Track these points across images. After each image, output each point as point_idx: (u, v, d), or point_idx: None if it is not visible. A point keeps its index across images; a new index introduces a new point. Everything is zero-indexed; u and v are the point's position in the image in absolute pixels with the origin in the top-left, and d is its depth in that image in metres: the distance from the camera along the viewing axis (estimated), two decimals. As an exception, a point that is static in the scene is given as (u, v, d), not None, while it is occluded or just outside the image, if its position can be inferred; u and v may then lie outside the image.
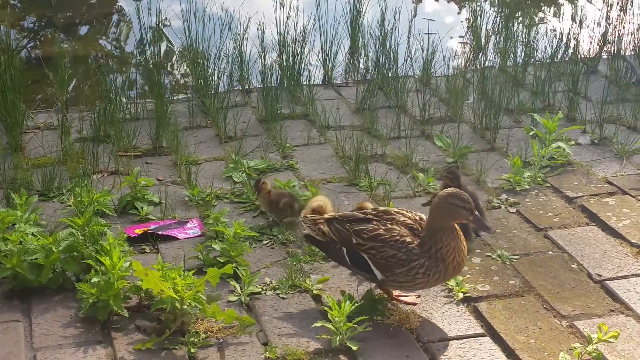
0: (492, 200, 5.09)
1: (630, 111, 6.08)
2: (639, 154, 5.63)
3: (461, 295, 4.23)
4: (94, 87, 6.40)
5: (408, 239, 3.93)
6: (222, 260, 4.28)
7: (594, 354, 3.43)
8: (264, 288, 4.25)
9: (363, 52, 6.96)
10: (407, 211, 4.09)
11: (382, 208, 4.17)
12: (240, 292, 4.19)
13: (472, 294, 4.24)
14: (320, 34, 6.84)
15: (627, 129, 5.96)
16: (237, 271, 4.25)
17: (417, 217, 4.05)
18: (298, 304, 4.16)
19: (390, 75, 6.51)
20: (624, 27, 7.11)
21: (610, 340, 3.42)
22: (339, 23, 6.97)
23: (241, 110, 6.16)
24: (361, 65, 6.95)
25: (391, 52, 6.62)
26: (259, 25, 6.54)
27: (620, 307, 4.18)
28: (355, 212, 4.17)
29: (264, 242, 4.66)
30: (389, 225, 3.98)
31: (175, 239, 4.65)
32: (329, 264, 4.45)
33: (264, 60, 6.43)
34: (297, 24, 6.57)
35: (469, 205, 3.88)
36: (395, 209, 4.11)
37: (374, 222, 4.02)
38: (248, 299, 4.17)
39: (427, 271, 3.89)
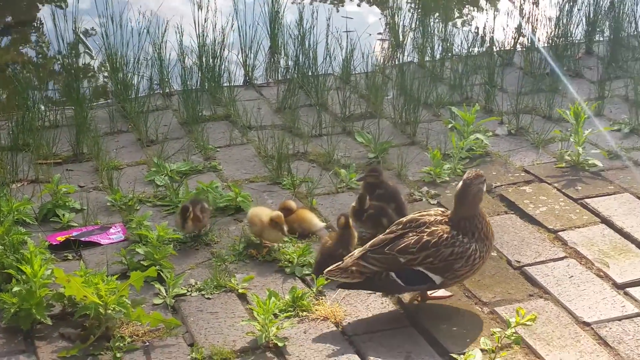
0: (413, 193, 5.16)
1: (545, 101, 6.22)
2: (555, 142, 5.76)
3: (385, 287, 4.28)
4: (12, 96, 6.32)
5: (454, 232, 3.97)
6: (146, 264, 4.28)
7: (513, 338, 3.52)
8: (189, 289, 4.26)
9: (283, 51, 6.99)
10: (425, 211, 4.12)
11: (405, 218, 4.10)
12: (165, 294, 4.19)
13: (395, 286, 4.30)
14: (240, 35, 6.86)
15: (542, 119, 6.10)
16: (162, 274, 4.25)
17: (440, 212, 4.11)
18: (224, 303, 4.18)
19: (310, 73, 6.55)
20: (537, 20, 7.26)
21: (528, 323, 3.51)
22: (258, 24, 7.00)
23: (162, 114, 6.14)
24: (281, 65, 6.98)
25: (310, 51, 6.67)
26: (177, 28, 6.53)
27: (539, 291, 4.28)
28: (383, 236, 4.05)
29: (188, 244, 4.67)
30: (427, 230, 3.99)
31: (99, 244, 4.62)
32: (254, 262, 4.49)
33: (184, 62, 6.42)
34: (215, 25, 6.58)
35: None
36: (417, 213, 4.11)
37: (410, 234, 3.99)
38: (173, 301, 4.17)
39: (481, 253, 4.00)
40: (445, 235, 3.96)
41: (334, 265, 4.06)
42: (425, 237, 3.96)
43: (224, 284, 4.29)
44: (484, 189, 4.09)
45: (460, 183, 4.06)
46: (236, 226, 4.82)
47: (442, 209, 4.19)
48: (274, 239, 4.53)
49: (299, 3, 7.12)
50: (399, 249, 3.96)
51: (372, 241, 4.08)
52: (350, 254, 4.10)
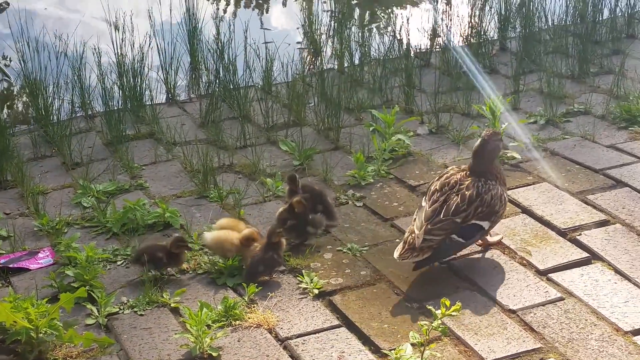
0: (339, 197, 5.24)
1: (463, 99, 6.35)
2: (473, 138, 5.89)
3: (316, 291, 4.35)
4: None
5: (483, 180, 4.42)
6: (76, 285, 4.28)
7: (439, 329, 3.61)
8: (122, 307, 4.28)
9: (203, 66, 7.02)
10: (446, 173, 4.54)
11: (438, 184, 4.47)
12: (97, 314, 4.20)
13: (326, 289, 4.38)
14: (159, 53, 6.88)
15: (461, 116, 6.24)
16: (93, 294, 4.26)
17: (457, 169, 4.54)
18: (157, 318, 4.21)
19: (231, 87, 6.61)
20: (451, 20, 7.41)
21: (454, 314, 3.60)
22: (176, 40, 7.02)
23: (86, 136, 6.14)
24: (203, 80, 7.01)
25: (230, 65, 6.72)
26: (95, 49, 6.52)
27: (465, 283, 4.39)
28: (430, 208, 4.38)
29: (119, 262, 4.68)
30: (462, 187, 4.40)
31: (28, 270, 4.61)
32: (185, 276, 4.52)
33: (104, 83, 6.42)
34: (133, 44, 6.59)
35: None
36: (442, 177, 4.50)
37: (453, 197, 4.39)
38: (106, 320, 4.19)
39: (506, 194, 4.52)
40: (480, 184, 4.40)
41: (402, 246, 4.35)
42: (466, 192, 4.38)
43: (156, 300, 4.32)
44: (501, 146, 4.57)
45: (479, 140, 4.50)
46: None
47: (457, 167, 4.58)
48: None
49: (216, 18, 7.15)
50: (452, 212, 4.34)
51: (424, 215, 4.38)
52: (409, 232, 4.37)
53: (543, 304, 4.18)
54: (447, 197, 4.40)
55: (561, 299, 4.22)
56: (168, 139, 6.06)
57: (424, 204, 4.46)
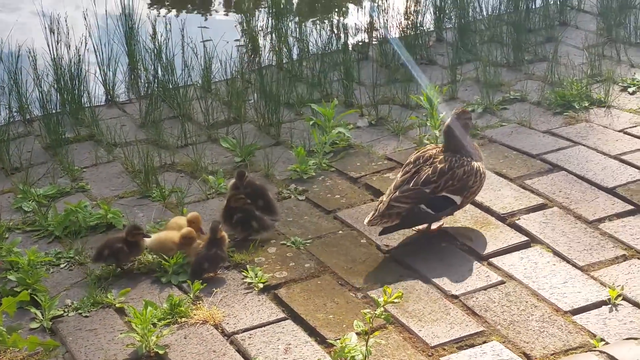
0: (282, 192, 5.27)
1: (401, 91, 6.42)
2: (413, 128, 5.96)
3: (261, 285, 4.38)
4: None
5: (458, 156, 4.58)
6: (19, 290, 4.26)
7: (382, 316, 3.65)
8: (66, 310, 4.27)
9: (142, 67, 6.99)
10: (423, 148, 4.72)
11: (412, 157, 4.65)
12: (41, 317, 4.18)
13: (271, 283, 4.41)
14: (96, 54, 6.83)
15: (400, 108, 6.30)
16: (36, 297, 4.23)
17: (434, 146, 4.73)
18: (102, 319, 4.20)
19: (170, 86, 6.59)
20: (387, 13, 7.46)
21: (396, 301, 3.65)
22: (113, 41, 6.98)
23: (24, 140, 6.08)
24: (142, 80, 6.98)
25: (168, 64, 6.70)
26: (30, 52, 6.46)
27: (408, 271, 4.45)
28: (402, 177, 4.58)
29: (62, 265, 4.66)
30: (436, 160, 4.56)
31: (-31, 277, 4.57)
32: (129, 276, 4.52)
33: (41, 87, 6.36)
34: (70, 47, 6.54)
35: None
36: (419, 152, 4.67)
37: (424, 168, 4.56)
38: (50, 323, 4.17)
39: (483, 169, 4.65)
40: (453, 159, 4.55)
41: (371, 214, 4.50)
42: (438, 165, 4.54)
43: (101, 301, 4.31)
44: (470, 123, 4.80)
45: (448, 119, 4.68)
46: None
47: (434, 144, 4.76)
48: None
49: (153, 18, 7.12)
50: (422, 182, 4.50)
51: (394, 184, 4.58)
52: (379, 201, 4.54)
53: (485, 288, 4.26)
54: (419, 169, 4.57)
55: (502, 282, 4.30)
56: (108, 140, 6.03)
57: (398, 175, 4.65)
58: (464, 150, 4.64)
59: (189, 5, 9.29)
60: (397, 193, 4.51)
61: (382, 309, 3.62)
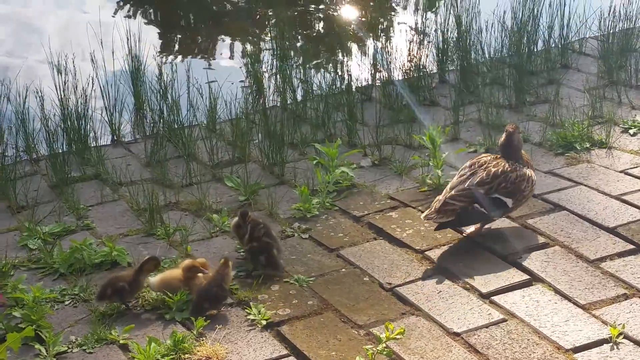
0: (285, 230, 5.31)
1: (404, 131, 6.48)
2: (416, 168, 6.01)
3: (264, 322, 4.41)
4: None
5: (511, 162, 4.96)
6: (24, 326, 4.28)
7: (384, 353, 3.68)
8: (70, 346, 4.29)
9: (147, 107, 7.07)
10: (479, 156, 5.09)
11: (468, 163, 5.02)
12: (45, 353, 4.21)
13: (274, 320, 4.43)
14: (103, 95, 6.91)
15: (403, 148, 6.36)
16: (41, 334, 4.26)
17: (491, 155, 5.06)
18: (106, 356, 4.23)
19: (176, 126, 6.67)
20: (390, 55, 7.55)
21: (398, 337, 3.68)
22: (120, 82, 7.07)
23: (31, 179, 6.13)
24: (147, 120, 7.05)
25: (174, 105, 6.78)
26: (38, 92, 6.54)
27: (410, 309, 4.48)
28: (458, 179, 4.93)
29: (66, 302, 4.69)
30: (490, 165, 4.92)
31: (-25, 313, 4.60)
32: (133, 313, 4.55)
33: (48, 127, 6.43)
34: (76, 87, 6.62)
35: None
36: (475, 158, 5.04)
37: (479, 172, 4.89)
38: (55, 359, 4.19)
39: (534, 177, 5.01)
40: (507, 164, 4.92)
41: (428, 210, 4.86)
42: (492, 169, 4.89)
43: (105, 337, 4.34)
44: (521, 139, 5.19)
45: (504, 134, 5.08)
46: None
47: (489, 154, 5.09)
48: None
49: (159, 60, 7.23)
50: (476, 183, 4.84)
51: (450, 185, 4.93)
52: (436, 200, 4.87)
53: (486, 326, 4.28)
54: (475, 172, 4.92)
55: (504, 320, 4.32)
56: (113, 179, 6.09)
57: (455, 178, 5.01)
58: (520, 160, 5.02)
59: (195, 50, 9.39)
60: (452, 192, 4.84)
61: (384, 344, 3.65)
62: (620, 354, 4.03)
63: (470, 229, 5.09)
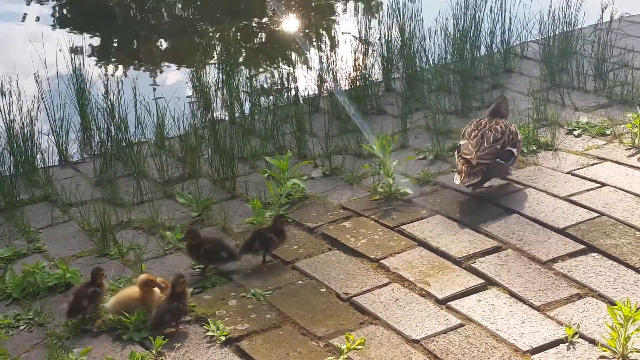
0: (239, 244, 5.30)
1: (353, 140, 6.51)
2: (366, 177, 6.05)
3: (223, 338, 4.40)
4: None
5: (504, 120, 5.75)
6: (-21, 354, 4.24)
7: (346, 363, 3.70)
8: (28, 372, 4.25)
9: (94, 126, 7.02)
10: (475, 120, 5.74)
11: (472, 126, 5.64)
12: (3, 380, 4.16)
13: (233, 335, 4.43)
14: (48, 115, 6.85)
15: (353, 157, 6.39)
16: (-3, 361, 4.22)
17: (481, 119, 5.79)
18: (64, 380, 4.19)
19: (124, 144, 6.63)
20: (336, 65, 7.58)
21: (359, 347, 3.70)
22: (65, 102, 7.01)
23: (-22, 204, 6.06)
24: (95, 139, 7.00)
25: (121, 123, 6.74)
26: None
27: (368, 318, 4.50)
28: (474, 140, 5.51)
29: (21, 327, 4.64)
30: (492, 125, 5.61)
31: None
32: (90, 334, 4.51)
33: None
34: (21, 109, 6.55)
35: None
36: (474, 122, 5.70)
37: (487, 132, 5.55)
38: (11, 386, 4.15)
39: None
40: (503, 122, 5.65)
41: (459, 175, 5.39)
42: (497, 126, 5.59)
43: (62, 361, 4.30)
44: (508, 108, 6.06)
45: (493, 104, 5.94)
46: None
47: (479, 118, 5.79)
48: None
49: (105, 77, 7.18)
50: (492, 140, 5.50)
51: (471, 145, 5.49)
52: (461, 163, 5.47)
53: (444, 332, 4.32)
54: (483, 133, 5.53)
55: (461, 325, 4.37)
56: (63, 200, 6.03)
57: (463, 142, 5.58)
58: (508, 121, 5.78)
59: (141, 66, 9.33)
60: (478, 152, 5.42)
61: (345, 356, 3.66)
62: (577, 353, 4.10)
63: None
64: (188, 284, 4.64)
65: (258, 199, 5.62)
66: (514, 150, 5.58)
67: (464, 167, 5.40)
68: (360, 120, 6.80)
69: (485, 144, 5.47)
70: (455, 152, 5.68)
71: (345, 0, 11.18)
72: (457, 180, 5.40)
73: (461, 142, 5.63)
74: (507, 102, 6.00)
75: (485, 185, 5.63)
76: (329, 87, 7.56)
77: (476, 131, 5.58)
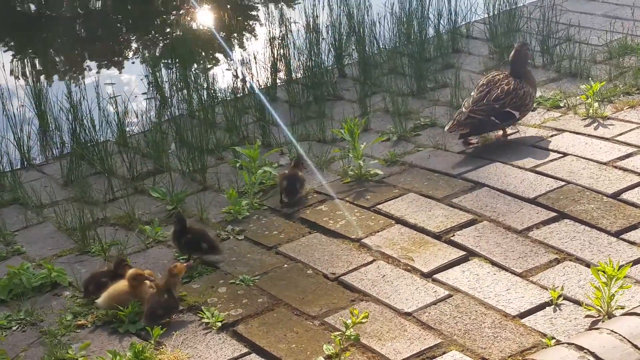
0: (220, 234, 5.38)
1: (317, 126, 6.62)
2: (335, 161, 6.17)
3: (219, 324, 4.48)
4: None
5: (518, 80, 5.97)
6: (-21, 356, 4.25)
7: (352, 337, 3.81)
8: (30, 370, 4.28)
9: (55, 126, 7.01)
10: (491, 74, 6.11)
11: (484, 80, 6.04)
12: (7, 380, 4.19)
13: (228, 320, 4.51)
14: (8, 119, 6.82)
15: (318, 143, 6.50)
16: (-2, 361, 4.24)
17: (501, 72, 6.11)
18: (68, 375, 4.23)
19: (89, 143, 6.64)
20: (290, 54, 7.68)
21: (363, 321, 3.82)
22: (22, 105, 6.99)
23: (-52, 211, 6.02)
24: (57, 140, 6.99)
25: (82, 122, 6.75)
26: None
27: (359, 295, 4.63)
28: (477, 94, 5.93)
29: (14, 328, 4.66)
30: (503, 83, 5.93)
31: None
32: (86, 330, 4.55)
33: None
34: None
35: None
36: (489, 76, 6.08)
37: (494, 89, 5.89)
38: (17, 384, 4.18)
39: (533, 95, 6.10)
40: (516, 83, 5.93)
41: (450, 123, 5.87)
42: (505, 87, 5.90)
43: (62, 357, 4.34)
44: (529, 54, 6.38)
45: (513, 50, 6.15)
46: (57, 301, 4.86)
47: (499, 71, 6.16)
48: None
49: (63, 77, 7.17)
50: (493, 99, 5.86)
51: (471, 99, 5.92)
52: (458, 112, 5.91)
53: (435, 303, 4.47)
54: (491, 89, 5.90)
55: (450, 295, 4.52)
56: (34, 202, 6.03)
57: (472, 93, 5.98)
58: (524, 76, 6.04)
59: (96, 64, 9.29)
60: (473, 107, 5.82)
61: (351, 330, 3.78)
62: (564, 314, 4.29)
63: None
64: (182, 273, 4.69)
65: (232, 188, 5.70)
66: (516, 112, 5.91)
67: (457, 116, 5.87)
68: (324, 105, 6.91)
69: (484, 101, 5.85)
70: (465, 99, 6.14)
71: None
72: (446, 127, 5.91)
73: (472, 92, 6.07)
74: (527, 46, 6.22)
75: (473, 141, 6.06)
76: (284, 76, 7.66)
77: (485, 86, 5.96)
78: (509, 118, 5.93)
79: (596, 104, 6.37)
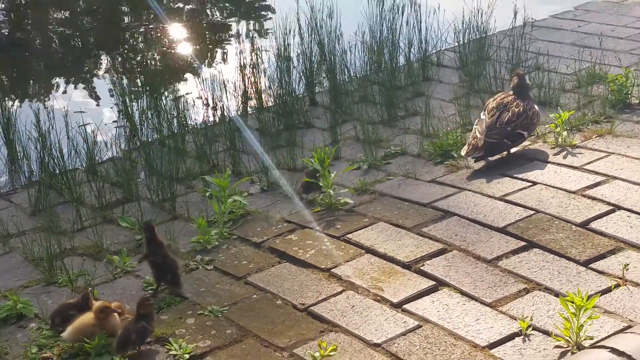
0: (189, 264, 5.34)
1: (287, 155, 6.61)
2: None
3: (187, 356, 4.43)
4: None
5: (526, 102, 6.32)
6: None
7: (318, 371, 3.79)
8: (-6, 404, 4.21)
9: (23, 155, 6.95)
10: (499, 96, 6.41)
11: (493, 104, 6.31)
12: (-30, 415, 4.12)
13: (196, 352, 4.47)
14: (-25, 148, 6.78)
15: (289, 171, 6.49)
16: (-39, 396, 4.17)
17: (507, 94, 6.43)
18: (32, 409, 4.17)
19: (57, 172, 6.58)
20: (261, 82, 7.69)
21: (332, 354, 3.80)
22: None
23: None
24: (25, 169, 6.93)
25: (51, 151, 6.69)
26: None
27: (328, 326, 4.60)
28: (489, 119, 6.19)
29: (-21, 360, 4.60)
30: (512, 106, 6.24)
31: None
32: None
33: None
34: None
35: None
36: (497, 99, 6.35)
37: (505, 113, 6.20)
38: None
39: (539, 115, 6.43)
40: (524, 104, 6.26)
41: (467, 147, 6.14)
42: (515, 109, 6.22)
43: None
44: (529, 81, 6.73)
45: (515, 78, 6.45)
46: (23, 333, 4.80)
47: (506, 93, 6.47)
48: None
49: (32, 106, 7.12)
50: (505, 122, 6.16)
51: (485, 124, 6.18)
52: (472, 137, 6.19)
53: (404, 334, 4.46)
54: (501, 113, 6.19)
55: (419, 326, 4.51)
56: (1, 232, 5.96)
57: (483, 116, 6.26)
58: (529, 98, 6.39)
59: (62, 92, 9.25)
60: (488, 132, 6.08)
61: (319, 363, 3.76)
62: (533, 344, 4.28)
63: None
64: (153, 306, 4.65)
65: (202, 217, 5.67)
66: (525, 133, 6.23)
67: (472, 141, 6.13)
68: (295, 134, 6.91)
69: (497, 125, 6.12)
70: (476, 121, 6.35)
71: (263, 20, 11.33)
72: (463, 151, 6.16)
73: (482, 115, 6.29)
74: (522, 74, 6.49)
75: (491, 159, 6.28)
76: (255, 105, 7.65)
77: (495, 109, 6.23)
78: (519, 138, 6.23)
79: (565, 133, 6.41)
